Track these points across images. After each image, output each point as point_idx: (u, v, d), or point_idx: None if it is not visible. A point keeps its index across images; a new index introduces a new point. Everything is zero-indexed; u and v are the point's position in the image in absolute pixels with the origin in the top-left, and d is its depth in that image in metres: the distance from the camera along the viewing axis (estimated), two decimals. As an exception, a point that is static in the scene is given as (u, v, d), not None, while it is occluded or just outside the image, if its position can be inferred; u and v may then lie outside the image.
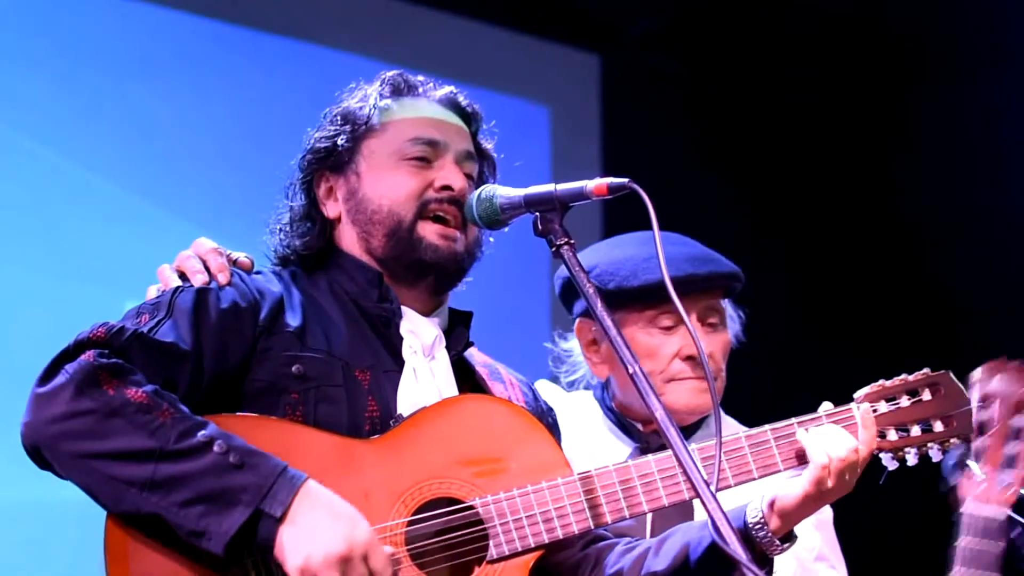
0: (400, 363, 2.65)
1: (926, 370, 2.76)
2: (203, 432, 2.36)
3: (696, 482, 2.28)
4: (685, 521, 2.86)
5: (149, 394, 2.36)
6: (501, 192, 2.60)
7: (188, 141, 5.29)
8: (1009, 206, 6.14)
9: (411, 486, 2.50)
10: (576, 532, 2.56)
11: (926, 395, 2.73)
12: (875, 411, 2.69)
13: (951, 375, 2.75)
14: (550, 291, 5.85)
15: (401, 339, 2.67)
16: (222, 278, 2.60)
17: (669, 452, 2.43)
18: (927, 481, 2.91)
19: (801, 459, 2.62)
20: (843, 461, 2.59)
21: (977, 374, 2.87)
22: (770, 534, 2.61)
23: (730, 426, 3.19)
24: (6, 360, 4.62)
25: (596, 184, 2.49)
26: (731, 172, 6.54)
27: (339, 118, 2.74)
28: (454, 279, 2.74)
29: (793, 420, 2.66)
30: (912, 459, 2.71)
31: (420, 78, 2.80)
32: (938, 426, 2.71)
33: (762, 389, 3.88)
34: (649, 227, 2.44)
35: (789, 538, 2.65)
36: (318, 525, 2.32)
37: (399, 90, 2.77)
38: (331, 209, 2.74)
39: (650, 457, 2.61)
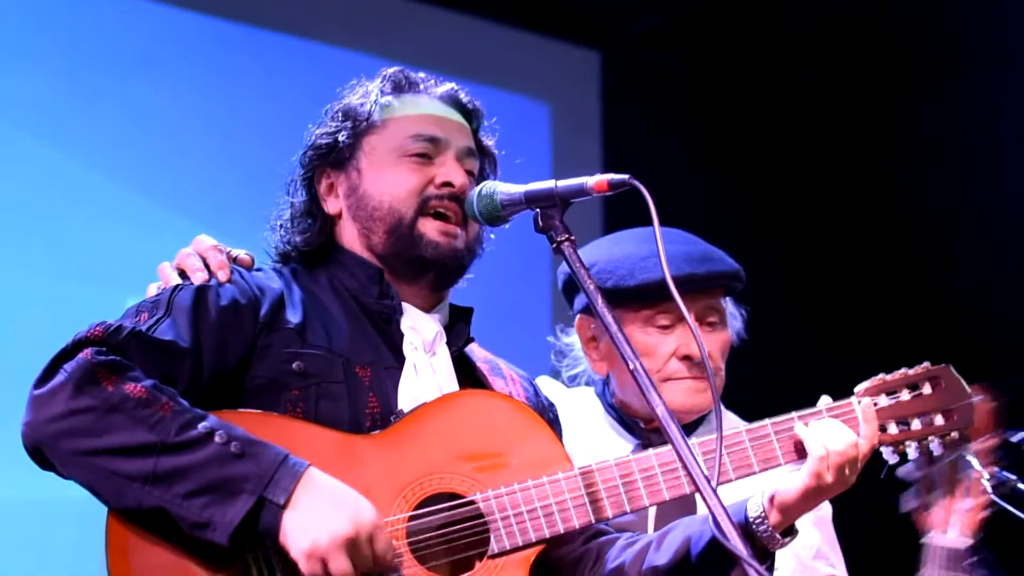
0: (401, 359, 2.65)
1: (926, 364, 2.76)
2: (203, 424, 2.36)
3: (696, 477, 2.28)
4: (687, 515, 2.86)
5: (148, 388, 2.37)
6: (502, 189, 2.60)
7: (189, 139, 5.29)
8: (1009, 206, 6.15)
9: (412, 481, 2.50)
10: (577, 526, 2.56)
11: (926, 389, 2.73)
12: (875, 405, 2.69)
13: (951, 369, 2.75)
14: (551, 287, 5.86)
15: (402, 335, 2.67)
16: (222, 275, 2.61)
17: (670, 447, 2.43)
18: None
19: (801, 453, 2.63)
20: (841, 455, 2.59)
21: None
22: (771, 528, 2.61)
23: (731, 421, 3.19)
24: (6, 359, 4.62)
25: (597, 180, 2.50)
26: (731, 170, 6.54)
27: (340, 114, 2.75)
28: (455, 276, 2.74)
29: (794, 414, 2.67)
30: (913, 453, 2.71)
31: (421, 75, 2.81)
32: (939, 420, 2.71)
33: (762, 388, 3.88)
34: (650, 223, 2.44)
35: (790, 532, 2.65)
36: (322, 510, 2.33)
37: (400, 87, 2.77)
38: (332, 205, 2.74)
39: (651, 451, 2.61)
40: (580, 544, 2.73)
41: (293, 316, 2.61)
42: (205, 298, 2.55)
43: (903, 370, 2.75)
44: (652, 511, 3.09)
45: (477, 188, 2.64)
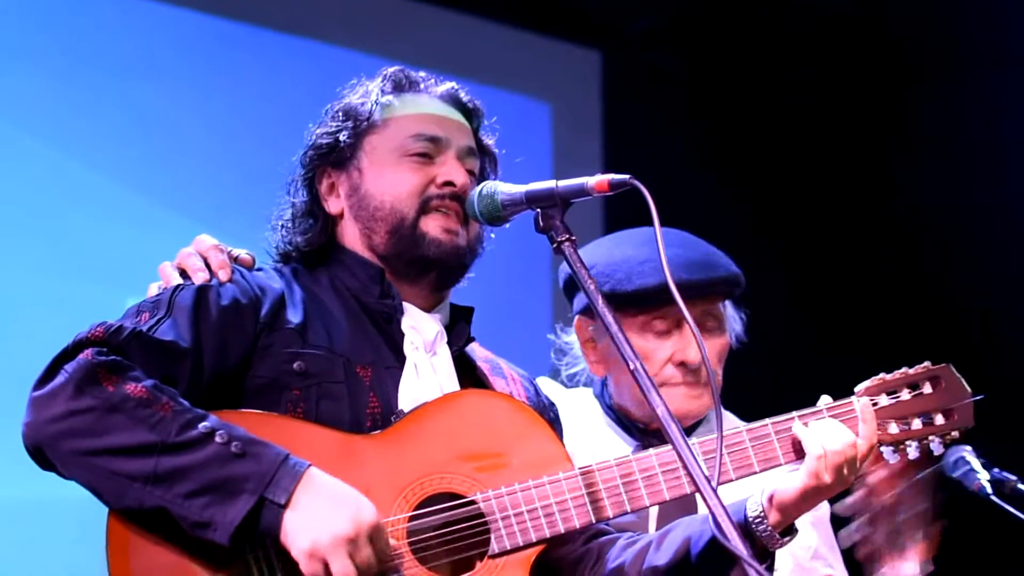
0: (401, 359, 2.65)
1: (927, 363, 2.76)
2: (204, 424, 2.36)
3: (697, 477, 2.28)
4: (688, 515, 2.86)
5: (149, 388, 2.37)
6: (502, 188, 2.60)
7: (189, 138, 5.29)
8: (1009, 206, 6.15)
9: (412, 481, 2.50)
10: (577, 526, 2.56)
11: (927, 388, 2.73)
12: (876, 404, 2.69)
13: (952, 368, 2.75)
14: (551, 287, 5.86)
15: (402, 335, 2.67)
16: (223, 275, 2.61)
17: (670, 447, 2.43)
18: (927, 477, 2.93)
19: (801, 453, 2.63)
20: (839, 455, 2.59)
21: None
22: (770, 528, 2.62)
23: (730, 422, 3.19)
24: (7, 359, 4.62)
25: (597, 180, 2.49)
26: (731, 170, 6.54)
27: (341, 114, 2.75)
28: (456, 275, 2.74)
29: (795, 413, 2.67)
30: (913, 452, 2.71)
31: (422, 74, 2.81)
32: (939, 419, 2.71)
33: (762, 388, 3.88)
34: (650, 223, 2.44)
35: (789, 532, 2.65)
36: (323, 509, 2.33)
37: (401, 86, 2.77)
38: (333, 205, 2.74)
39: (651, 451, 2.61)
40: (581, 544, 2.73)
41: (294, 316, 2.61)
42: (206, 298, 2.55)
43: (903, 369, 2.75)
44: (654, 511, 3.09)
45: (478, 188, 2.64)
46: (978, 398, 2.75)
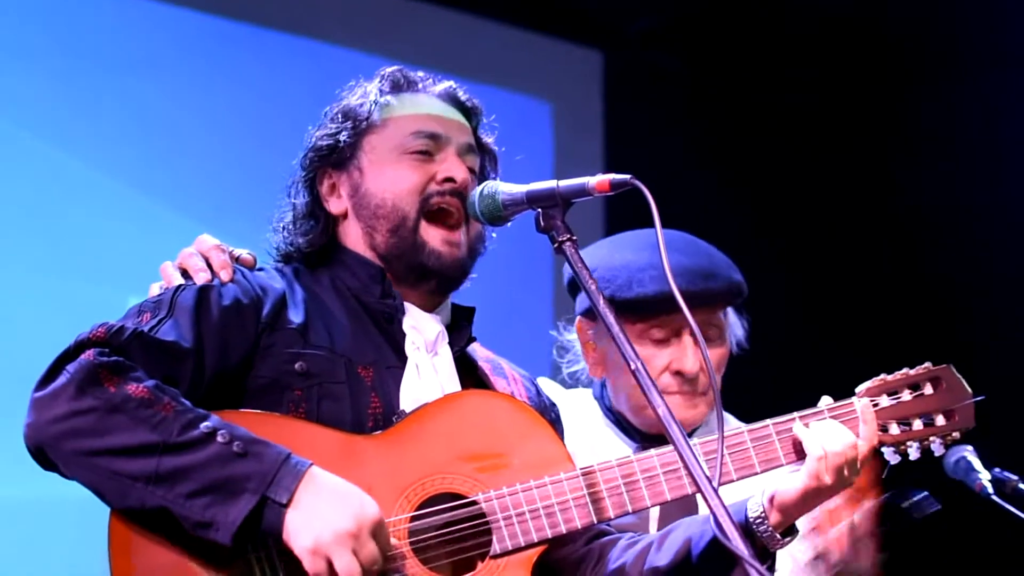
0: (403, 359, 2.66)
1: (927, 364, 2.76)
2: (206, 424, 2.36)
3: (698, 477, 2.28)
4: (689, 515, 2.86)
5: (150, 389, 2.37)
6: (503, 189, 2.60)
7: (190, 138, 5.29)
8: (1009, 206, 6.15)
9: (414, 481, 2.50)
10: (579, 527, 2.56)
11: (928, 389, 2.73)
12: (876, 405, 2.69)
13: (952, 369, 2.76)
14: (553, 286, 5.86)
15: (404, 335, 2.68)
16: (224, 275, 2.61)
17: (671, 447, 2.43)
18: (929, 477, 2.93)
19: (803, 453, 2.63)
20: (839, 456, 2.59)
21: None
22: (771, 528, 2.62)
23: (730, 424, 3.19)
24: (8, 358, 4.62)
25: (598, 180, 2.49)
26: (732, 170, 6.54)
27: (340, 115, 2.75)
28: (457, 282, 2.74)
29: (796, 414, 2.67)
30: (914, 453, 2.71)
31: (420, 74, 2.81)
32: (940, 420, 2.72)
33: (763, 389, 3.88)
34: (652, 224, 2.43)
35: (790, 532, 2.66)
36: (325, 507, 2.33)
37: (399, 86, 2.78)
38: (335, 205, 2.75)
39: (652, 452, 2.61)
40: (582, 544, 2.74)
41: (295, 316, 2.61)
42: (207, 298, 2.55)
43: (904, 370, 2.75)
44: (655, 512, 3.10)
45: (479, 188, 2.64)
46: (979, 399, 2.75)
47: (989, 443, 3.50)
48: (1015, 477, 3.46)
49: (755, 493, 2.66)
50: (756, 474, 2.65)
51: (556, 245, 2.51)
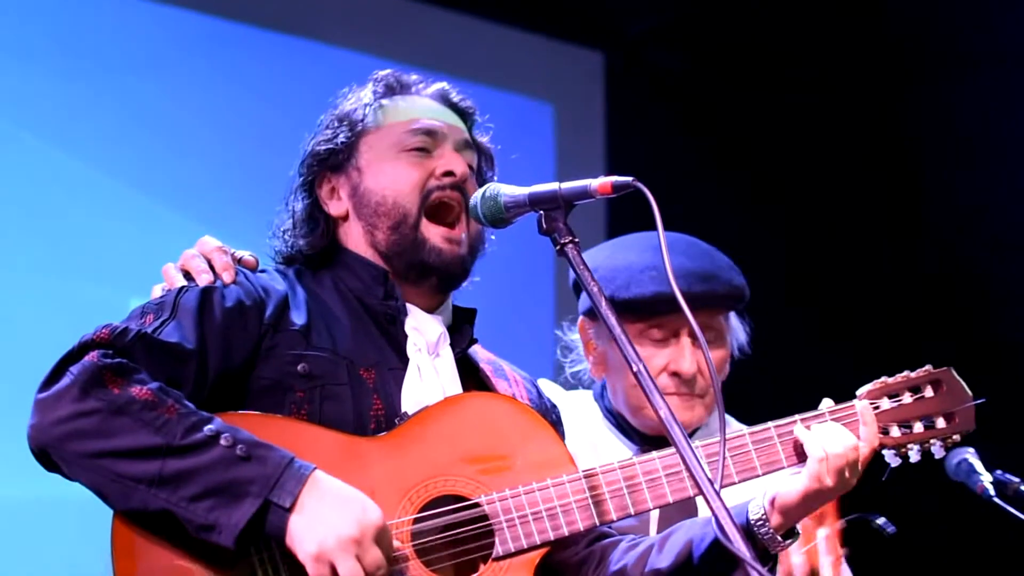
0: (404, 361, 2.66)
1: (928, 367, 2.77)
2: (209, 426, 2.36)
3: (700, 480, 2.28)
4: (689, 518, 2.87)
5: (154, 391, 2.37)
6: (505, 191, 2.59)
7: (191, 138, 5.29)
8: (1010, 206, 6.15)
9: (417, 483, 2.50)
10: (581, 529, 2.57)
11: (928, 392, 2.74)
12: (877, 408, 2.70)
13: (953, 372, 2.76)
14: (554, 288, 5.86)
15: (405, 336, 2.68)
16: (227, 277, 2.61)
17: (673, 449, 2.43)
18: (930, 478, 2.93)
19: (804, 455, 2.63)
20: (840, 457, 2.60)
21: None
22: (772, 530, 2.63)
23: (731, 426, 3.19)
24: (8, 358, 4.63)
25: (601, 183, 2.48)
26: (733, 171, 6.55)
27: (335, 121, 2.76)
28: (458, 281, 2.75)
29: (797, 417, 2.68)
30: (915, 456, 2.72)
31: (414, 77, 2.82)
32: (940, 422, 2.72)
33: (763, 391, 3.88)
34: (654, 224, 2.43)
35: (791, 534, 2.66)
36: (328, 512, 2.33)
37: (393, 89, 2.79)
38: (335, 208, 2.75)
39: (654, 454, 2.62)
40: (583, 547, 2.74)
41: (298, 318, 2.62)
42: (210, 300, 2.55)
43: (905, 373, 2.76)
44: (655, 514, 3.10)
45: (481, 190, 2.63)
46: (979, 402, 2.76)
47: (990, 445, 3.50)
48: (1017, 479, 3.46)
49: (756, 495, 2.67)
50: (758, 476, 2.66)
51: (558, 247, 2.50)
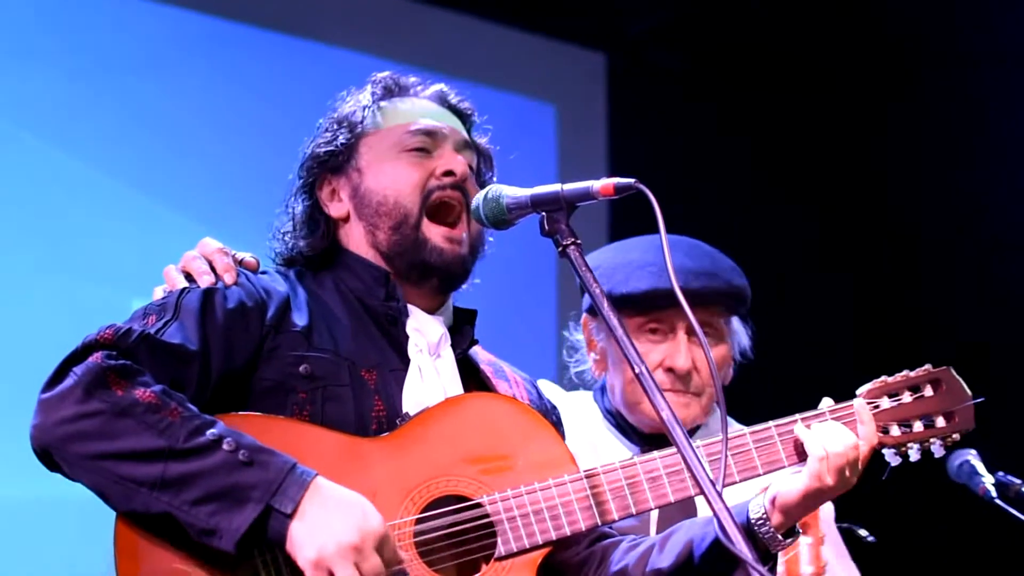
0: (406, 362, 2.66)
1: (927, 366, 2.77)
2: (212, 430, 2.36)
3: (702, 480, 2.28)
4: (688, 518, 2.87)
5: (158, 394, 2.37)
6: (507, 192, 2.59)
7: (192, 139, 5.30)
8: (1009, 206, 6.16)
9: (419, 484, 2.51)
10: (583, 529, 2.57)
11: (928, 391, 2.74)
12: (877, 407, 2.70)
13: (952, 371, 2.77)
14: (556, 289, 5.86)
15: (407, 337, 2.68)
16: (228, 278, 2.61)
17: (674, 449, 2.44)
18: (932, 479, 2.94)
19: (805, 454, 2.64)
20: (840, 456, 2.60)
21: None
22: (772, 530, 2.63)
23: (730, 426, 3.19)
24: (10, 358, 4.63)
25: (603, 184, 2.48)
26: (734, 171, 6.55)
27: (335, 123, 2.77)
28: (459, 281, 2.75)
29: (797, 416, 2.68)
30: (914, 455, 2.72)
31: (412, 79, 2.83)
32: (940, 422, 2.73)
33: (763, 391, 3.89)
34: (657, 227, 2.44)
35: (792, 534, 2.67)
36: (329, 519, 2.33)
37: (391, 91, 2.80)
38: (335, 209, 2.75)
39: (656, 454, 2.62)
40: (584, 547, 2.74)
41: (299, 319, 2.62)
42: (212, 301, 2.55)
43: (904, 372, 2.76)
44: (654, 514, 3.10)
45: (483, 192, 2.63)
46: (978, 400, 2.76)
47: (992, 447, 3.51)
48: (1018, 481, 3.47)
49: (756, 494, 2.67)
50: (758, 475, 2.66)
51: (560, 249, 2.50)
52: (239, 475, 2.33)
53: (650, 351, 3.21)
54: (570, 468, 2.59)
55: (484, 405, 2.65)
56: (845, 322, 6.47)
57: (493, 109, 2.89)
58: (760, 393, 3.58)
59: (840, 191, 6.58)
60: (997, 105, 6.20)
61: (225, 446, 2.35)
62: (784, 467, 2.67)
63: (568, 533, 2.55)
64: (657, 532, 2.97)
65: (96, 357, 2.38)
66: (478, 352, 2.84)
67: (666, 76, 6.59)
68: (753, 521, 2.63)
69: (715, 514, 2.26)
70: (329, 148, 2.74)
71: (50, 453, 2.38)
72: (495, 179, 2.83)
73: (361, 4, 5.89)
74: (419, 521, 2.49)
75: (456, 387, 2.70)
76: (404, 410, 2.60)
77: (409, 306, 2.71)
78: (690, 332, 3.21)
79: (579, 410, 3.33)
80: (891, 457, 2.72)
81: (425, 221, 2.68)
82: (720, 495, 2.27)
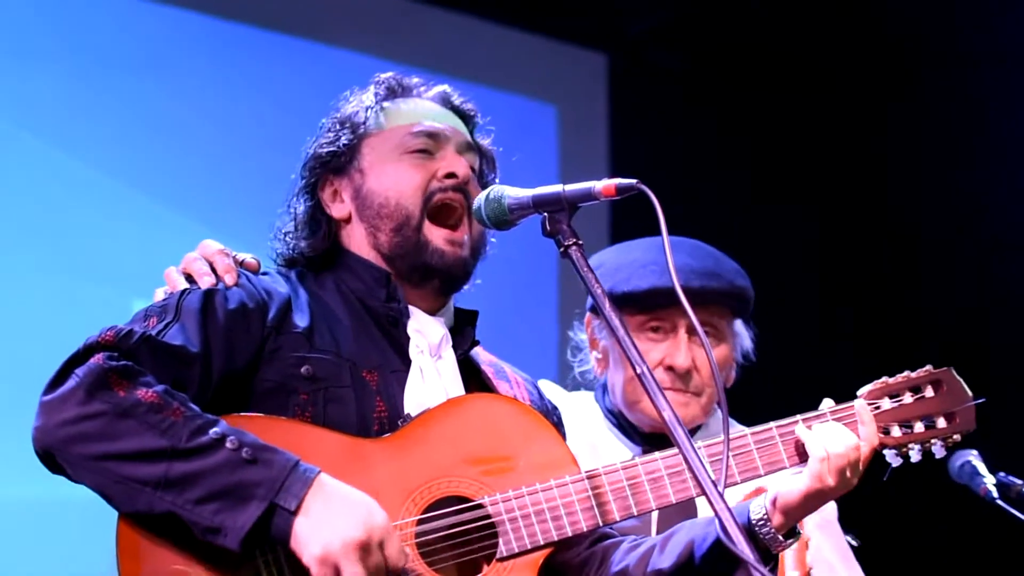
0: (407, 363, 2.66)
1: (928, 367, 2.77)
2: (215, 429, 2.37)
3: (703, 481, 2.29)
4: (688, 518, 2.88)
5: (160, 394, 2.37)
6: (509, 193, 2.59)
7: (195, 139, 5.30)
8: (1009, 206, 6.16)
9: (420, 485, 2.51)
10: (584, 529, 2.57)
11: (929, 392, 2.74)
12: (878, 408, 2.71)
13: (953, 372, 2.77)
14: (557, 290, 5.87)
15: (408, 339, 2.68)
16: (228, 279, 2.61)
17: (675, 449, 2.44)
18: (932, 478, 2.94)
19: (806, 455, 2.64)
20: (842, 457, 2.61)
21: None
22: (773, 531, 2.63)
23: (732, 427, 3.19)
24: (11, 358, 4.64)
25: (604, 185, 2.48)
26: (736, 171, 6.55)
27: (337, 124, 2.77)
28: (460, 283, 2.75)
29: (798, 417, 2.69)
30: (916, 456, 2.73)
31: (415, 80, 2.83)
32: (941, 422, 2.73)
33: (764, 392, 3.90)
34: (659, 227, 2.44)
35: (792, 534, 2.67)
36: (333, 515, 2.33)
37: (394, 92, 2.80)
38: (337, 210, 2.76)
39: (657, 455, 2.63)
40: (585, 547, 2.74)
41: (300, 320, 2.62)
42: (213, 302, 2.56)
43: (905, 373, 2.76)
44: (655, 515, 3.11)
45: (485, 193, 2.63)
46: (979, 401, 2.76)
47: (993, 448, 3.51)
48: (1019, 481, 3.48)
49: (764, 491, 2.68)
50: (759, 476, 2.67)
51: (562, 249, 2.50)
52: (242, 473, 2.33)
53: (651, 350, 3.21)
54: (571, 469, 2.59)
55: (485, 406, 2.66)
56: (845, 322, 6.47)
57: (494, 110, 2.89)
58: (761, 394, 3.58)
59: (840, 191, 6.58)
60: (997, 105, 6.20)
61: (228, 444, 2.35)
62: (785, 468, 2.68)
63: (569, 534, 2.56)
64: (658, 533, 2.98)
65: (98, 358, 2.38)
66: (479, 353, 2.84)
67: (667, 76, 6.59)
68: (754, 522, 2.63)
69: (716, 515, 2.26)
70: (331, 148, 2.74)
71: (53, 455, 2.38)
72: (498, 180, 2.83)
73: (362, 5, 5.89)
74: (421, 522, 2.49)
75: (457, 388, 2.70)
76: (406, 411, 2.61)
77: (410, 307, 2.71)
78: (691, 331, 3.22)
79: (580, 410, 3.33)
80: (892, 458, 2.73)
81: (427, 223, 2.68)
82: (722, 496, 2.28)
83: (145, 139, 5.20)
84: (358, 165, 2.74)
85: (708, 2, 6.43)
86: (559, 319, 5.62)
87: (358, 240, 2.74)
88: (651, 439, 3.24)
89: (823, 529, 3.30)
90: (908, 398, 2.73)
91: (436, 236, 2.68)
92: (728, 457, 2.44)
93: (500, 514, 2.52)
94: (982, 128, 6.27)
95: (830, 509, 3.32)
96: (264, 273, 2.72)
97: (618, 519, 2.59)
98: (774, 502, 2.63)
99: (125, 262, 4.89)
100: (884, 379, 2.76)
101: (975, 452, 3.50)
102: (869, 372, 2.81)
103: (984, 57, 6.19)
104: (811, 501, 2.63)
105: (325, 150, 2.75)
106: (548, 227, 2.52)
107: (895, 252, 6.52)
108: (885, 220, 6.54)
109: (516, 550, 2.52)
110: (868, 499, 3.02)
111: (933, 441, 2.73)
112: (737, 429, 2.70)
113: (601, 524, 2.58)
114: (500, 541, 2.52)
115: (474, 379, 2.78)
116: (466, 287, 2.79)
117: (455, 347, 2.75)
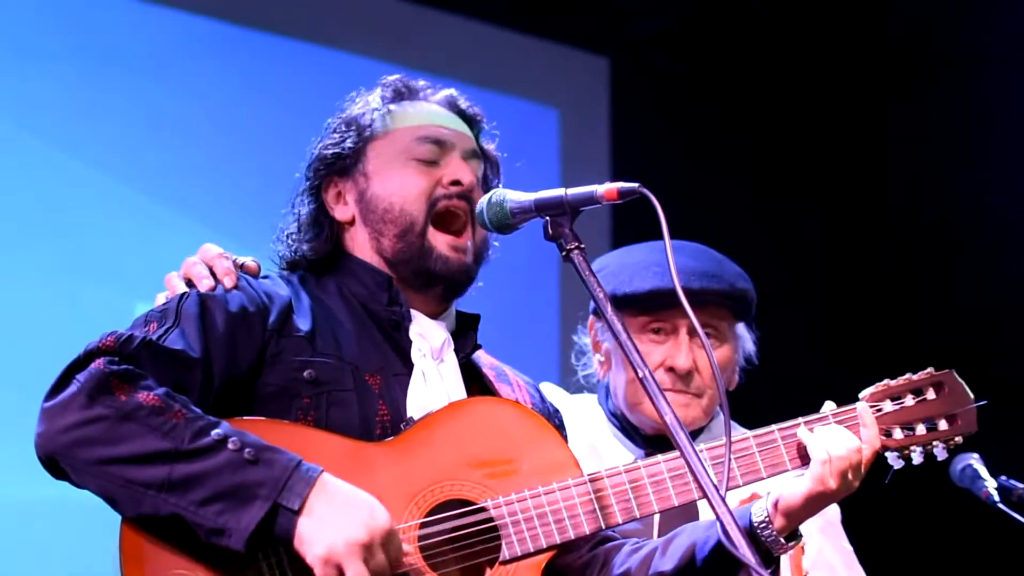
0: (409, 366, 2.67)
1: (930, 369, 2.78)
2: (216, 431, 2.37)
3: (705, 484, 2.29)
4: (690, 521, 2.88)
5: (161, 396, 2.37)
6: (511, 197, 2.59)
7: (200, 143, 5.31)
8: (1009, 206, 6.16)
9: (423, 488, 2.51)
10: (587, 532, 2.58)
11: (930, 394, 2.75)
12: (880, 410, 2.71)
13: (955, 374, 2.77)
14: (559, 293, 5.87)
15: (410, 342, 2.68)
16: (228, 283, 2.61)
17: (677, 452, 2.44)
18: (933, 481, 2.94)
19: (808, 458, 2.65)
20: (843, 460, 2.61)
21: None
22: (775, 533, 2.64)
23: (733, 430, 3.20)
24: (13, 360, 4.64)
25: (607, 189, 2.48)
26: (738, 174, 6.56)
27: (343, 125, 2.76)
28: (463, 288, 2.75)
29: (800, 419, 2.69)
30: (917, 458, 2.73)
31: (421, 82, 2.82)
32: (943, 425, 2.73)
33: (765, 393, 3.90)
34: (661, 231, 2.44)
35: (794, 537, 2.67)
36: (336, 515, 2.33)
37: (401, 94, 2.79)
38: (340, 212, 2.75)
39: (660, 457, 2.63)
40: (587, 550, 2.75)
41: (302, 323, 2.62)
42: (213, 306, 2.56)
43: (907, 375, 2.77)
44: (657, 518, 3.11)
45: (487, 196, 2.63)
46: (981, 403, 2.77)
47: (995, 451, 3.51)
48: (1021, 485, 3.48)
49: (759, 498, 2.68)
50: (762, 479, 2.67)
51: (564, 253, 2.50)
52: (245, 473, 2.33)
53: (652, 351, 3.21)
54: (574, 472, 2.60)
55: (488, 409, 2.66)
56: (846, 324, 6.48)
57: (496, 113, 2.89)
58: (762, 396, 3.59)
59: (840, 191, 6.58)
60: (997, 105, 6.21)
61: (230, 445, 2.35)
62: (787, 470, 2.68)
63: (572, 537, 2.56)
64: (660, 535, 2.98)
65: (98, 363, 2.38)
66: (481, 356, 2.84)
67: (669, 79, 6.59)
68: (756, 525, 2.64)
69: (718, 517, 2.26)
70: (336, 150, 2.74)
71: (56, 460, 2.38)
72: (501, 185, 2.83)
73: (365, 8, 5.89)
74: (424, 525, 2.49)
75: (459, 391, 2.70)
76: (408, 415, 2.61)
77: (412, 311, 2.71)
78: (692, 332, 3.22)
79: (583, 413, 3.34)
80: (894, 460, 2.73)
81: (431, 229, 2.68)
82: (723, 499, 2.28)
83: (147, 140, 5.20)
84: (363, 168, 2.73)
85: (710, 4, 6.43)
86: (561, 322, 5.62)
87: (361, 243, 2.74)
88: (653, 441, 3.24)
89: (826, 532, 3.30)
90: (910, 400, 2.73)
91: (440, 242, 2.68)
92: (730, 460, 2.44)
93: (503, 517, 2.53)
94: (982, 128, 6.27)
95: (833, 512, 3.32)
96: (265, 276, 2.72)
97: (620, 522, 2.59)
98: (776, 505, 2.64)
99: (127, 263, 4.90)
100: (886, 381, 2.76)
101: (976, 456, 3.50)
102: (870, 374, 2.81)
103: (985, 57, 6.19)
104: (813, 504, 2.63)
105: (330, 152, 2.75)
106: (550, 231, 2.52)
107: (895, 252, 6.52)
108: (885, 220, 6.54)
109: (519, 553, 2.52)
110: (870, 502, 3.03)
111: (935, 443, 2.74)
112: (739, 432, 2.71)
113: (603, 527, 2.59)
114: (503, 544, 2.52)
115: (476, 382, 2.78)
116: (469, 291, 2.79)
117: (457, 351, 2.75)
